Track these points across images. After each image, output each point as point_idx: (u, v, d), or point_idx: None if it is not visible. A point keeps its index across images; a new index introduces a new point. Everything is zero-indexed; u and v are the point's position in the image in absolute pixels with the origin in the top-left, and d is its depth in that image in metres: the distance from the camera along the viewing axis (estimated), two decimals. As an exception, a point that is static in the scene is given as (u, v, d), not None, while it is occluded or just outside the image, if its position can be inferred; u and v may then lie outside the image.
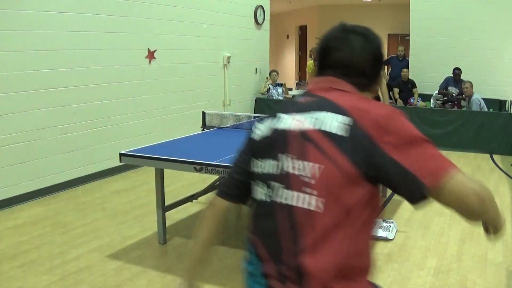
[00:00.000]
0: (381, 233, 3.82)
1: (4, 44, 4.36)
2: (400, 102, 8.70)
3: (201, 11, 7.04)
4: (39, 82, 4.70)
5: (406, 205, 4.72)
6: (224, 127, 4.58)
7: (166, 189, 3.71)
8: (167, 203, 3.75)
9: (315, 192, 1.13)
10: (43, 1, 4.67)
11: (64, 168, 5.08)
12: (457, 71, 8.36)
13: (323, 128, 1.15)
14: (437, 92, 8.57)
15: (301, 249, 1.13)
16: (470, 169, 6.24)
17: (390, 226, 3.93)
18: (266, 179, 1.23)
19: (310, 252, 1.12)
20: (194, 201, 4.13)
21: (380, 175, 1.11)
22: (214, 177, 4.67)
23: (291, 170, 1.17)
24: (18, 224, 4.09)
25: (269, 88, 8.77)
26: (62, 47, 4.90)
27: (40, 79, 4.70)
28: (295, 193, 1.15)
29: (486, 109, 7.68)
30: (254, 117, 5.49)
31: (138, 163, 3.44)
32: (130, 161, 3.48)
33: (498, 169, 6.27)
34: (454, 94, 8.25)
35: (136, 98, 5.94)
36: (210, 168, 3.08)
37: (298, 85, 11.45)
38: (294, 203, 1.16)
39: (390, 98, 7.84)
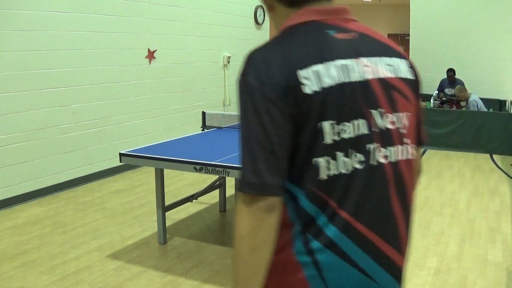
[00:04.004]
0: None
1: (4, 44, 4.36)
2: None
3: (201, 11, 7.04)
4: (39, 82, 4.70)
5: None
6: (224, 127, 4.58)
7: (166, 189, 3.72)
8: (167, 203, 3.76)
9: (409, 141, 1.11)
10: (43, 1, 4.67)
11: (64, 168, 5.08)
12: (449, 73, 8.35)
13: (401, 76, 1.12)
14: (436, 92, 8.57)
15: (408, 204, 1.13)
16: (470, 169, 6.25)
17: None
18: (356, 143, 1.03)
19: (411, 205, 1.14)
20: (194, 201, 4.13)
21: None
22: (214, 177, 4.68)
23: (390, 125, 1.07)
24: (18, 224, 4.09)
25: None
26: (62, 47, 4.90)
27: (40, 79, 4.70)
28: (399, 147, 1.09)
29: (484, 109, 7.69)
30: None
31: (138, 163, 3.44)
32: (130, 161, 3.48)
33: (498, 169, 6.27)
34: (449, 94, 8.23)
35: (136, 98, 5.94)
36: (210, 168, 3.08)
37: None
38: (401, 157, 1.09)
39: None
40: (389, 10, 13.44)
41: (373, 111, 1.05)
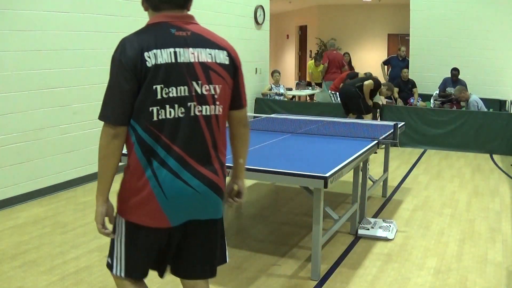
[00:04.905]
0: (381, 233, 3.82)
1: (4, 44, 4.36)
2: (400, 102, 8.71)
3: (201, 11, 7.04)
4: (39, 82, 4.70)
5: (406, 205, 4.72)
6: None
7: (166, 189, 3.70)
8: (167, 203, 3.75)
9: (218, 103, 1.77)
10: (43, 1, 4.67)
11: (64, 168, 5.08)
12: (454, 72, 8.36)
13: (218, 61, 1.77)
14: (437, 92, 8.57)
15: (216, 142, 1.79)
16: (470, 169, 6.25)
17: (390, 226, 3.93)
18: (180, 100, 1.69)
19: (219, 143, 1.81)
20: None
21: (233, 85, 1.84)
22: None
23: (205, 92, 1.74)
24: (18, 224, 4.09)
25: (272, 87, 8.79)
26: (62, 47, 4.90)
27: (40, 79, 4.70)
28: (211, 106, 1.75)
29: (484, 109, 7.68)
30: (254, 116, 5.48)
31: (138, 163, 3.43)
32: (130, 161, 3.46)
33: (498, 169, 6.27)
34: (451, 92, 8.23)
35: (136, 98, 5.93)
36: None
37: (298, 85, 11.40)
38: (212, 113, 1.76)
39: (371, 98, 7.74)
40: (389, 10, 13.43)
41: (194, 82, 1.72)
